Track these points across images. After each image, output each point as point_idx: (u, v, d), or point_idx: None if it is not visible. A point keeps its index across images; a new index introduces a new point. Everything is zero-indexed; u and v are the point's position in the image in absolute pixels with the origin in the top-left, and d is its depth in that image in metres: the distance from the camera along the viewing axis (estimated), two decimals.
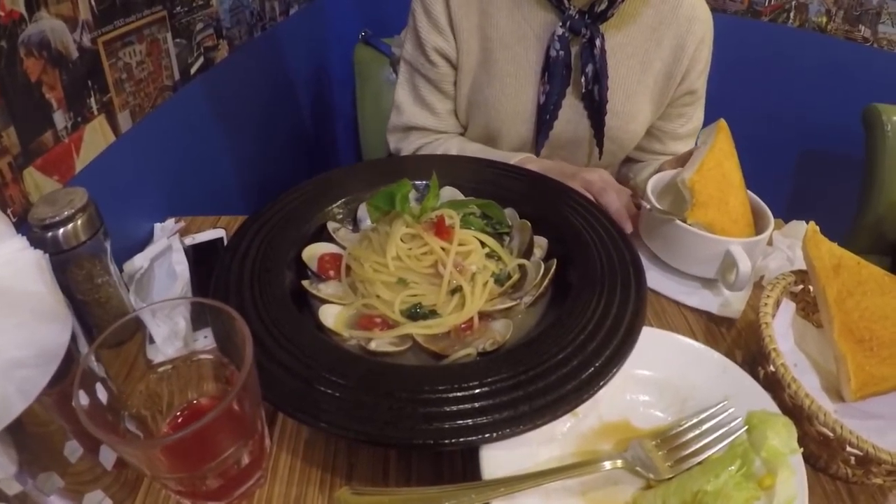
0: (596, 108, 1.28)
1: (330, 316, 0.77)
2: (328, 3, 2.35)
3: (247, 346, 0.52)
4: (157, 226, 1.04)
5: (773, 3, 2.75)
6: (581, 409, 0.66)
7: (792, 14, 2.78)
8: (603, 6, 1.21)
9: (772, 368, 0.74)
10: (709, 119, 2.33)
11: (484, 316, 0.78)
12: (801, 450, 0.66)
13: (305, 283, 0.82)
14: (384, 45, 2.05)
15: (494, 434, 0.58)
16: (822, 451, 0.72)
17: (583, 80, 1.26)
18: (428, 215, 0.85)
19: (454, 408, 0.60)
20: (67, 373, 0.55)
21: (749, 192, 1.06)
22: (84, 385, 0.50)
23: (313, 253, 0.87)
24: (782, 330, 0.86)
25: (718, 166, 1.01)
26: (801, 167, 3.04)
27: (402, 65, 1.36)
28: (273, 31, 1.77)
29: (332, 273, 0.85)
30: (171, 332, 0.65)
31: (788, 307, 0.88)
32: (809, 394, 0.70)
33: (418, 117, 1.33)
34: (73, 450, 0.58)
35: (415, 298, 0.78)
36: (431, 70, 1.30)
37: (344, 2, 2.36)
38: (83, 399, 0.49)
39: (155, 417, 0.59)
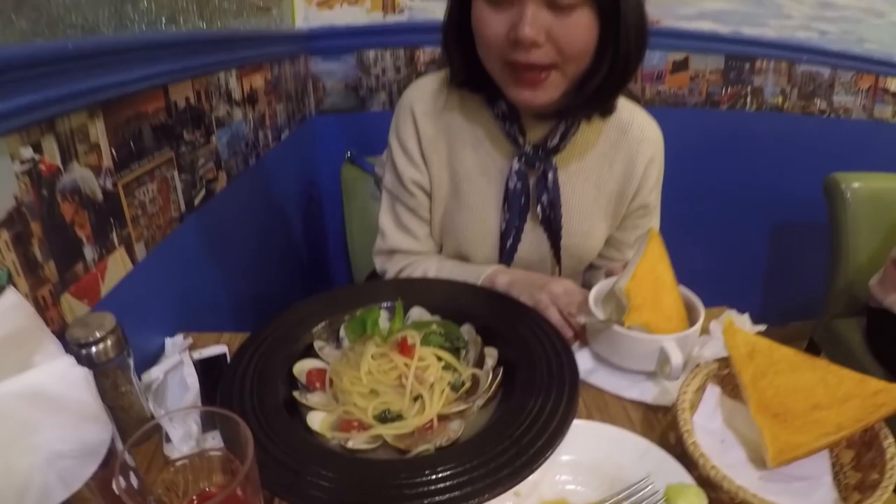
0: (553, 232, 1.37)
1: (316, 421, 0.91)
2: (316, 127, 2.48)
3: (248, 445, 0.64)
4: (168, 340, 1.16)
5: (729, 91, 2.88)
6: (522, 490, 0.80)
7: (749, 99, 2.92)
8: (555, 141, 1.30)
9: (685, 448, 0.84)
10: (680, 208, 2.46)
11: (442, 417, 0.91)
12: None
13: (296, 393, 0.97)
14: (368, 164, 2.19)
15: None
16: None
17: (539, 208, 1.34)
18: (394, 336, 1.01)
19: (413, 491, 0.75)
20: (108, 463, 0.70)
21: (682, 287, 1.16)
22: (122, 473, 0.62)
23: (302, 368, 1.02)
24: (709, 411, 0.96)
25: (651, 270, 1.11)
26: (775, 240, 3.18)
27: (383, 192, 1.47)
28: (266, 157, 1.89)
29: (317, 385, 1.00)
30: (185, 434, 0.79)
31: (714, 391, 0.98)
32: (715, 466, 0.79)
33: (400, 241, 1.43)
34: None
35: (385, 405, 0.92)
36: (410, 199, 1.40)
37: (330, 124, 2.50)
38: (122, 483, 0.61)
39: (173, 503, 0.72)
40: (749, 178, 3.01)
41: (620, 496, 0.82)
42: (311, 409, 0.94)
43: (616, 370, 1.10)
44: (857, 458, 0.88)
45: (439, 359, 1.00)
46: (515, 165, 1.32)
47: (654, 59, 2.71)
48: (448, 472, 0.77)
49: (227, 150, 1.58)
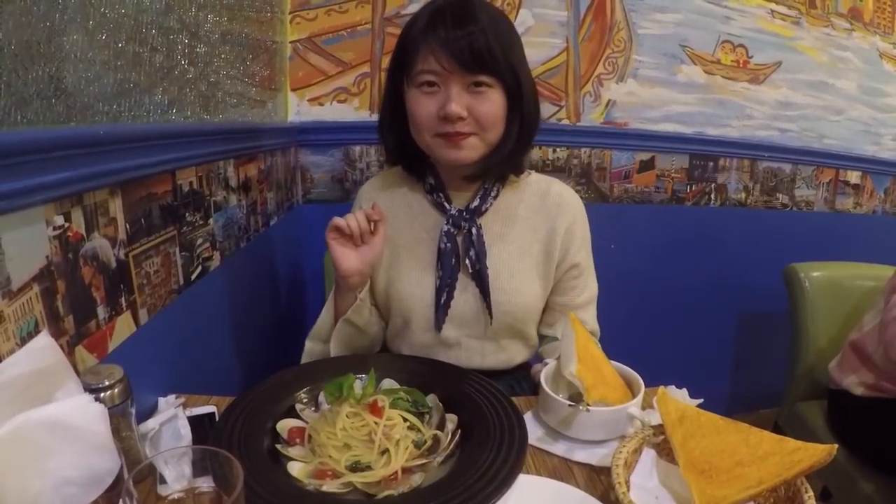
0: (483, 285, 1.50)
1: (295, 469, 1.02)
2: (303, 215, 2.57)
3: (238, 478, 0.74)
4: (162, 399, 1.25)
5: (694, 188, 2.97)
6: None
7: (713, 195, 3.01)
8: (476, 203, 1.51)
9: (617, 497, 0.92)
10: (648, 301, 2.69)
11: (406, 470, 1.03)
12: None
13: (279, 446, 1.08)
14: None
15: None
16: None
17: (468, 262, 1.49)
18: (366, 399, 1.13)
19: None
20: (115, 487, 0.79)
21: (613, 362, 1.31)
22: (127, 495, 0.72)
23: (285, 425, 1.14)
24: (646, 471, 1.04)
25: (586, 351, 1.24)
26: (741, 330, 3.23)
27: None
28: (256, 240, 1.98)
29: (297, 441, 1.12)
30: (179, 475, 0.87)
31: (650, 454, 1.07)
32: None
33: None
34: None
35: (356, 457, 1.03)
36: None
37: (316, 213, 2.55)
38: (127, 502, 0.72)
39: None
40: (715, 271, 3.09)
41: None
42: (290, 459, 1.05)
43: (565, 437, 1.20)
44: None
45: (405, 420, 1.12)
46: (444, 227, 1.51)
47: (622, 160, 2.84)
48: None
49: (222, 232, 1.69)
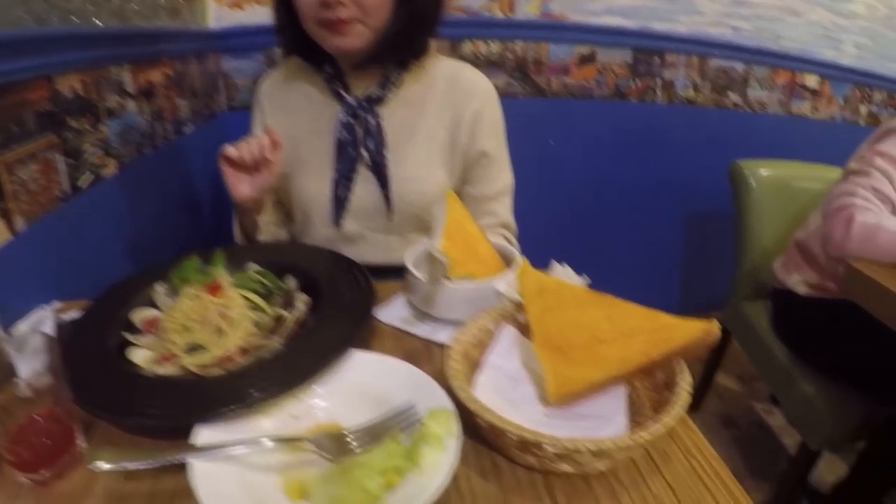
0: (382, 176, 1.50)
1: (139, 356, 1.04)
2: (228, 123, 2.56)
3: (53, 354, 0.79)
4: (46, 307, 1.24)
5: (639, 84, 2.91)
6: (300, 413, 0.92)
7: (659, 92, 2.95)
8: (377, 92, 1.50)
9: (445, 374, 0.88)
10: (591, 199, 2.79)
11: (246, 351, 1.04)
12: (461, 436, 0.79)
13: (126, 334, 1.10)
14: None
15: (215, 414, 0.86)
16: (497, 441, 0.83)
17: (365, 153, 1.50)
18: (210, 280, 1.13)
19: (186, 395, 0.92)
20: None
21: (496, 241, 1.30)
22: None
23: (143, 316, 1.15)
24: (504, 350, 1.00)
25: (459, 227, 1.23)
26: (690, 232, 3.23)
27: None
28: (166, 147, 1.96)
29: (152, 330, 1.12)
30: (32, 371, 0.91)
31: (511, 332, 1.02)
32: (465, 387, 0.84)
33: None
34: None
35: (195, 339, 1.03)
36: None
37: (242, 120, 2.33)
38: None
39: None
40: (661, 170, 3.07)
41: (386, 418, 0.88)
42: (139, 347, 1.07)
43: (431, 319, 1.20)
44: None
45: (247, 299, 1.12)
46: (342, 117, 1.51)
47: (560, 53, 2.77)
48: (229, 389, 0.92)
49: (119, 139, 1.67)
